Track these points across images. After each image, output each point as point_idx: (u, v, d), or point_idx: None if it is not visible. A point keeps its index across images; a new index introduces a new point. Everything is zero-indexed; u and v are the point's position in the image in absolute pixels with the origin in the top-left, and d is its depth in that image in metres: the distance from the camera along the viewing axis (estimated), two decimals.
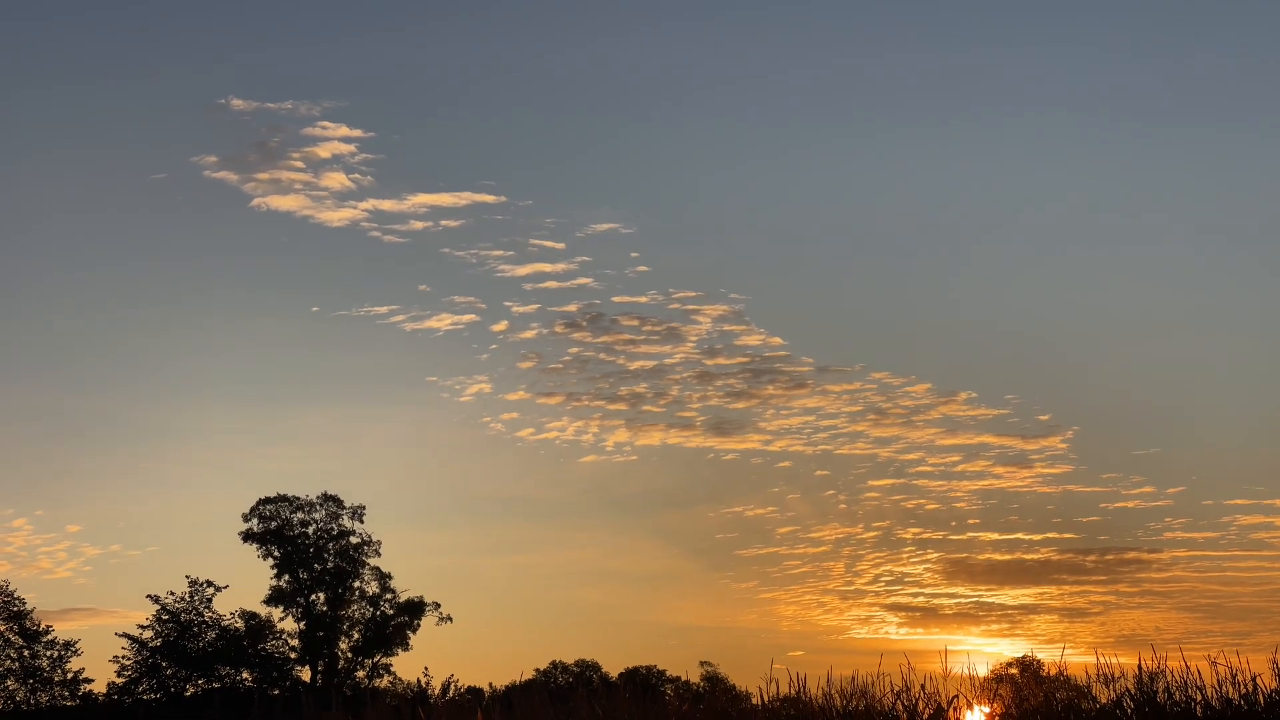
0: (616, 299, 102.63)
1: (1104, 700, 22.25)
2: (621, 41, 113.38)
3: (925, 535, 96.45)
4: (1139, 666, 22.19)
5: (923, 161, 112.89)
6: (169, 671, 66.42)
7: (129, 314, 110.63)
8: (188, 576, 68.38)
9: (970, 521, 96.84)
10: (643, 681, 76.72)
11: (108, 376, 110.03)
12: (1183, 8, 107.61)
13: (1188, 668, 21.46)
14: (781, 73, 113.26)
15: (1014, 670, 48.61)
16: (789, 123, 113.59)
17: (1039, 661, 54.80)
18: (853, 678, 23.55)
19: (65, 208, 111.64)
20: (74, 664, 64.90)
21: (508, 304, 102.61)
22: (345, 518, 73.07)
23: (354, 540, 72.93)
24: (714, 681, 75.90)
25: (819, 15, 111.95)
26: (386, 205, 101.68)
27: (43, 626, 64.77)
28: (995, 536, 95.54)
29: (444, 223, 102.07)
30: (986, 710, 23.00)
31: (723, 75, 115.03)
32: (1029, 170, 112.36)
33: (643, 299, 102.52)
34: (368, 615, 72.53)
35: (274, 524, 71.98)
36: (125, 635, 66.76)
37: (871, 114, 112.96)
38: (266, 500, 72.55)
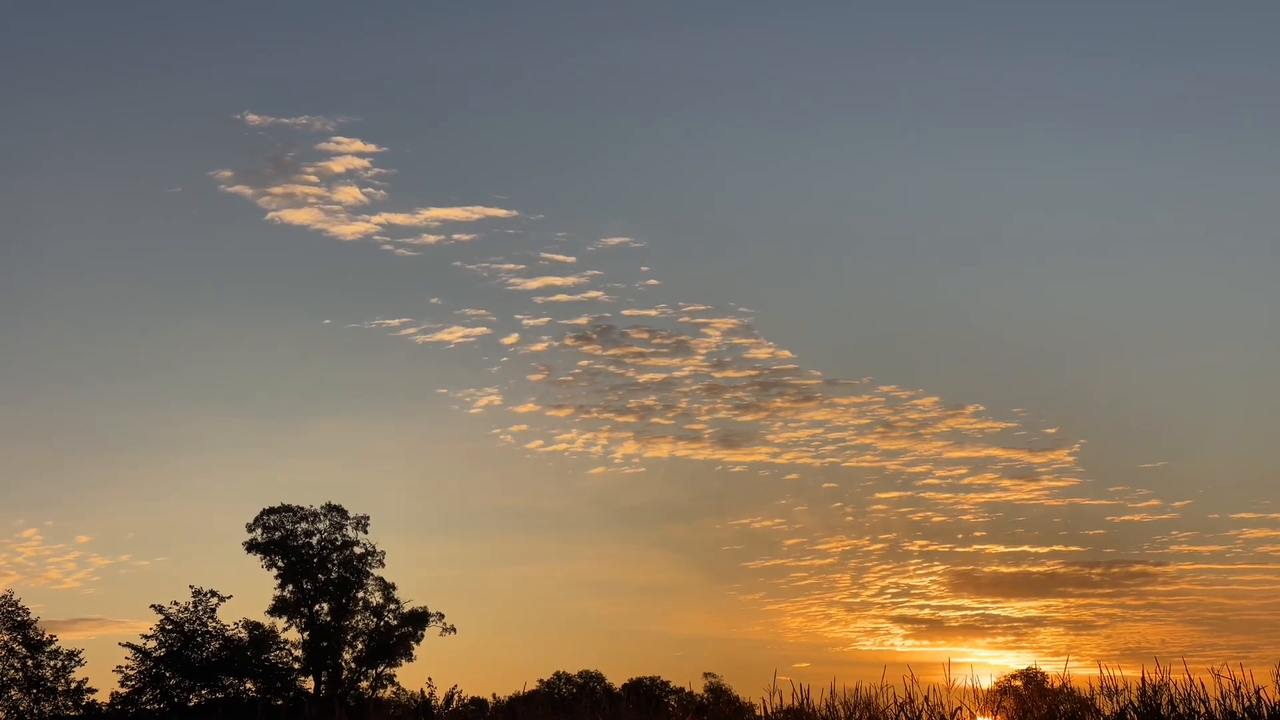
0: (626, 312, 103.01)
1: (1107, 712, 22.25)
2: (630, 56, 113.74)
3: (931, 547, 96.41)
4: (1143, 679, 22.18)
5: (932, 173, 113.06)
6: (172, 681, 66.36)
7: (142, 326, 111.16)
8: (191, 586, 68.44)
9: (976, 534, 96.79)
10: (646, 692, 76.53)
11: (120, 388, 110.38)
12: (1187, 17, 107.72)
13: (1191, 680, 21.45)
14: (791, 84, 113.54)
15: (1018, 682, 48.51)
16: (799, 135, 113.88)
17: (1043, 674, 54.61)
18: (856, 689, 23.56)
19: (80, 220, 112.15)
20: (78, 674, 64.97)
21: (518, 317, 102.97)
22: (349, 528, 73.09)
23: (358, 550, 72.88)
24: (717, 693, 75.68)
25: (827, 25, 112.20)
26: (399, 219, 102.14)
27: (46, 636, 64.83)
28: (1001, 549, 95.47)
29: (456, 236, 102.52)
30: None
31: (733, 88, 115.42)
32: (1037, 182, 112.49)
33: (652, 312, 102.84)
34: (371, 625, 72.43)
35: (278, 534, 71.92)
36: (129, 645, 66.79)
37: (881, 125, 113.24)
38: (270, 510, 72.49)
